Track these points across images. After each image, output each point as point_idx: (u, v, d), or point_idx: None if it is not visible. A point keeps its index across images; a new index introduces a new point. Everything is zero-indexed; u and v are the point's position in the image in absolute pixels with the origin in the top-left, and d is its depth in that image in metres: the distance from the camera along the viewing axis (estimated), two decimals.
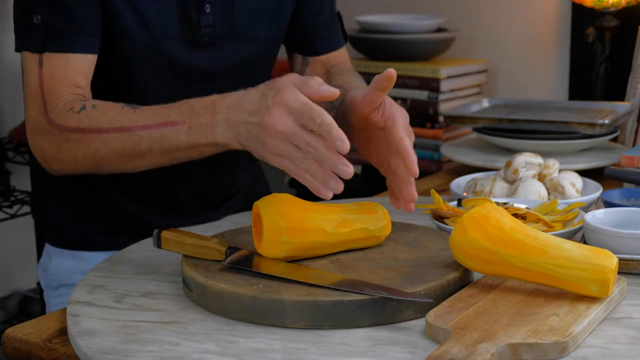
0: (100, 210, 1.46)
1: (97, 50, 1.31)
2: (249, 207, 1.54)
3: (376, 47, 2.36)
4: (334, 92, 1.09)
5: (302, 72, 1.57)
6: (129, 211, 1.46)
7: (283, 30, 1.49)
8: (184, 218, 1.46)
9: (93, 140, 1.23)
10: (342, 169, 1.06)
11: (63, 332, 1.12)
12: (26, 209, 2.54)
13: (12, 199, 2.49)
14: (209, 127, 1.16)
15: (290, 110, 1.07)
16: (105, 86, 1.36)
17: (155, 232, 1.19)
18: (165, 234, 1.18)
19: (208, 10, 1.36)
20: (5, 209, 2.50)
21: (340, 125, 1.09)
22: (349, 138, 1.09)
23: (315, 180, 1.07)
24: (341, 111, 1.26)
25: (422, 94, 2.30)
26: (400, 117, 1.18)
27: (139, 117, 1.21)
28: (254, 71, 1.47)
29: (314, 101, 1.08)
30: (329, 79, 1.50)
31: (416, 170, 1.15)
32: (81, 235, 1.47)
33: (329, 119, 1.05)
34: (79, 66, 1.29)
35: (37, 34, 1.28)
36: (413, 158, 1.15)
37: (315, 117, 1.05)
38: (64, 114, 1.25)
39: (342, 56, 1.59)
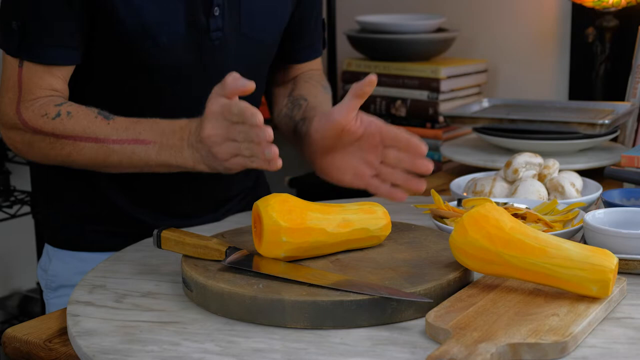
0: (99, 212, 1.46)
1: (76, 60, 1.32)
2: (248, 209, 1.54)
3: (376, 47, 2.36)
4: (249, 85, 1.17)
5: (273, 74, 1.58)
6: (128, 212, 1.46)
7: (281, 33, 1.49)
8: (183, 219, 1.46)
9: (66, 146, 1.28)
10: (267, 134, 1.14)
11: (63, 332, 1.12)
12: (26, 209, 2.54)
13: (12, 199, 2.49)
14: (179, 150, 1.23)
15: (214, 116, 1.18)
16: (115, 93, 1.36)
17: (155, 232, 1.19)
18: (165, 233, 1.19)
19: (217, 13, 1.35)
20: (5, 209, 2.49)
21: (299, 144, 1.33)
22: (313, 164, 1.33)
23: (263, 160, 1.16)
24: (304, 129, 1.35)
25: (422, 94, 2.31)
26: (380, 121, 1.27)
27: (112, 131, 1.26)
28: (259, 74, 1.47)
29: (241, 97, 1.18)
30: (294, 85, 1.54)
31: (424, 147, 1.25)
32: (80, 236, 1.47)
33: (242, 104, 1.16)
34: (58, 74, 1.31)
35: (15, 40, 1.29)
36: (417, 138, 1.26)
37: (232, 109, 1.16)
38: (39, 119, 1.28)
39: (315, 64, 1.60)
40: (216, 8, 1.35)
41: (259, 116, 1.15)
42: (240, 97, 1.43)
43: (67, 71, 1.32)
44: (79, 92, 1.35)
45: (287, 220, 1.11)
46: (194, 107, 1.36)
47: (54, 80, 1.31)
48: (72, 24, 1.29)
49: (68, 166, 1.32)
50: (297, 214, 1.12)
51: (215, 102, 1.18)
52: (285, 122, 1.46)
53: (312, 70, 1.58)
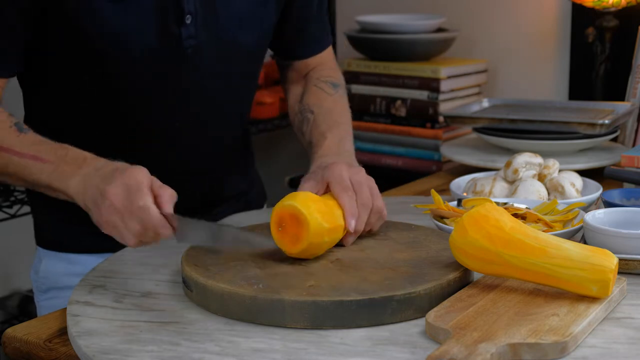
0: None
1: (9, 74, 1.33)
2: (243, 209, 1.54)
3: (376, 47, 2.36)
4: (171, 221, 1.12)
5: (283, 73, 1.59)
6: None
7: (268, 35, 1.47)
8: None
9: None
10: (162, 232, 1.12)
11: (63, 332, 1.12)
12: (26, 209, 2.54)
13: (12, 199, 2.49)
14: (67, 177, 1.20)
15: (135, 189, 1.11)
16: (98, 105, 1.36)
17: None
18: None
19: (189, 22, 1.33)
20: (5, 209, 2.49)
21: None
22: None
23: (134, 237, 1.12)
24: (310, 153, 1.40)
25: (422, 94, 2.30)
26: (336, 174, 1.23)
27: (18, 143, 1.25)
28: (246, 77, 1.47)
29: None
30: (304, 89, 1.53)
31: (351, 227, 1.20)
32: (69, 237, 1.46)
33: (150, 212, 1.11)
34: None
35: None
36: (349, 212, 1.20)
37: (151, 214, 1.11)
38: None
39: (324, 57, 1.58)
40: (188, 16, 1.32)
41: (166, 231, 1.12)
42: (231, 98, 1.43)
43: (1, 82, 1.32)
44: (31, 103, 1.35)
45: (327, 221, 1.14)
46: (165, 120, 1.36)
47: None
48: (15, 36, 1.28)
49: None
50: (332, 213, 1.16)
51: (138, 179, 1.13)
52: (298, 135, 1.51)
53: (322, 65, 1.57)
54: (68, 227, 1.46)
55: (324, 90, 1.52)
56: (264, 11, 1.43)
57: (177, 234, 1.13)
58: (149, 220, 1.10)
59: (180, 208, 1.48)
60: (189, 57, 1.35)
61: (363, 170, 1.27)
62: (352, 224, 1.19)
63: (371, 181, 1.25)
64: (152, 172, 1.30)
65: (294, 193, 1.16)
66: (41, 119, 1.41)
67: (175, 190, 1.46)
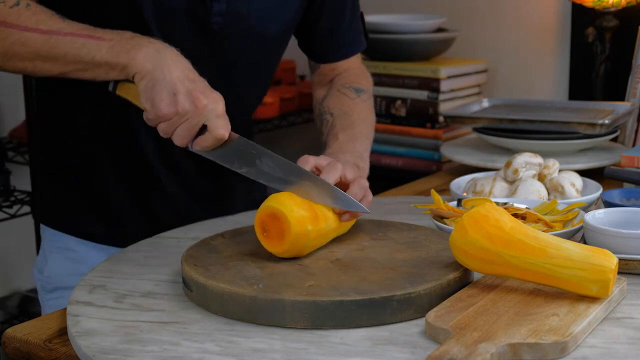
0: (96, 201, 1.45)
1: None
2: (241, 210, 1.54)
3: (376, 47, 2.36)
4: (222, 135, 1.18)
5: (312, 75, 1.59)
6: (124, 207, 1.45)
7: (289, 29, 1.47)
8: (178, 219, 1.46)
9: (11, 36, 1.23)
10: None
11: (63, 332, 1.12)
12: (26, 209, 2.54)
13: (12, 199, 2.49)
14: (133, 49, 1.19)
15: (198, 110, 1.16)
16: None
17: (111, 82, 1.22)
18: (123, 83, 1.21)
19: None
20: (5, 209, 2.50)
21: None
22: None
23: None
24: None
25: (422, 94, 2.31)
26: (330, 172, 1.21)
27: (66, 26, 1.23)
28: (263, 69, 1.47)
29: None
30: (328, 92, 1.53)
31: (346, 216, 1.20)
32: (77, 220, 1.46)
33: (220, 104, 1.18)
34: None
35: None
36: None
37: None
38: None
39: (352, 62, 1.58)
40: None
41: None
42: (243, 87, 1.44)
43: None
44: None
45: (305, 209, 1.14)
46: None
47: None
48: None
49: (7, 62, 1.26)
50: (309, 204, 1.15)
51: (219, 103, 1.18)
52: (320, 133, 1.50)
53: (348, 71, 1.56)
54: (76, 210, 1.45)
55: (346, 95, 1.51)
56: (286, 4, 1.43)
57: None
58: (214, 109, 1.16)
59: (181, 208, 1.49)
60: (215, 34, 1.35)
61: (360, 171, 1.27)
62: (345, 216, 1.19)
63: (362, 181, 1.24)
64: (156, 158, 1.30)
65: (271, 195, 1.16)
66: (55, 86, 1.41)
67: (185, 192, 1.47)
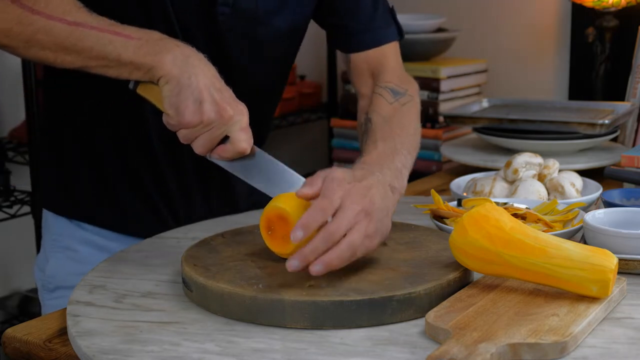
0: (100, 188, 1.45)
1: None
2: (244, 210, 1.54)
3: None
4: (244, 149, 1.17)
5: (347, 72, 1.53)
6: (130, 202, 1.45)
7: (301, 25, 1.44)
8: (185, 220, 1.46)
9: (35, 22, 1.20)
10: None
11: (63, 332, 1.12)
12: (26, 209, 2.54)
13: (12, 199, 2.49)
14: (161, 51, 1.16)
15: (223, 121, 1.15)
16: None
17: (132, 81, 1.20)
18: (144, 84, 1.20)
19: None
20: (5, 209, 2.49)
21: None
22: None
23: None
24: None
25: (422, 94, 2.30)
26: (327, 185, 1.10)
27: (93, 20, 1.20)
28: (277, 65, 1.45)
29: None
30: (370, 98, 1.43)
31: (292, 237, 1.05)
32: (80, 204, 1.45)
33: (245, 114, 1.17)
34: None
35: None
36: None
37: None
38: None
39: (388, 57, 1.48)
40: None
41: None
42: (259, 88, 1.41)
43: None
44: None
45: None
46: None
47: None
48: None
49: (28, 50, 1.23)
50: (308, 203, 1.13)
51: (244, 115, 1.16)
52: (360, 140, 1.40)
53: (384, 67, 1.46)
54: (82, 195, 1.45)
55: (384, 97, 1.41)
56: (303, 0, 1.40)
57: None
58: (239, 121, 1.15)
59: (182, 208, 1.49)
60: (219, 24, 1.33)
61: (394, 193, 1.17)
62: (296, 235, 1.04)
63: (375, 212, 1.09)
64: (163, 157, 1.28)
65: (278, 195, 1.15)
66: (64, 75, 1.40)
67: (195, 192, 1.47)
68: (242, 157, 1.18)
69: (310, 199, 1.08)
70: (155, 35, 1.19)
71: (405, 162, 1.27)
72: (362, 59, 1.48)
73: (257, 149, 1.19)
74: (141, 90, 1.20)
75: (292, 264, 1.03)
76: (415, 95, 1.44)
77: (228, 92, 1.17)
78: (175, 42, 1.19)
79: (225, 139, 1.16)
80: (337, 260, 1.04)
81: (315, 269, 1.03)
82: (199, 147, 1.16)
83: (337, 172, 1.11)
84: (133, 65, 1.18)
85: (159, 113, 1.20)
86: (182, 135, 1.16)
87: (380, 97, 1.41)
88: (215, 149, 1.17)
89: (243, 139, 1.16)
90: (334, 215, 1.06)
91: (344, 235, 1.05)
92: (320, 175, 1.11)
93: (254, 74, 1.42)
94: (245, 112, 1.17)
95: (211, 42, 1.35)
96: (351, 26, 1.47)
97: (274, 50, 1.43)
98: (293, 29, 1.43)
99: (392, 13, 1.51)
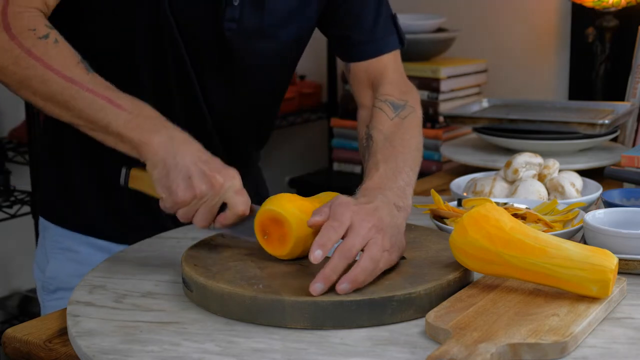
0: (99, 195, 1.45)
1: None
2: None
3: None
4: (242, 211, 1.16)
5: (347, 79, 1.53)
6: (126, 205, 1.45)
7: (305, 35, 1.45)
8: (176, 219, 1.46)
9: (33, 68, 1.20)
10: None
11: (63, 332, 1.12)
12: (26, 209, 2.54)
13: (12, 199, 2.49)
14: (150, 130, 1.17)
15: (215, 190, 1.15)
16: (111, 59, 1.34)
17: (124, 169, 1.20)
18: (135, 172, 1.20)
19: (236, 4, 1.32)
20: (5, 209, 2.49)
21: None
22: None
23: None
24: None
25: (422, 94, 2.31)
26: (335, 210, 1.11)
27: (90, 81, 1.20)
28: (273, 73, 1.46)
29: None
30: (371, 111, 1.41)
31: (313, 257, 1.06)
32: (77, 213, 1.46)
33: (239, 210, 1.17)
34: None
35: None
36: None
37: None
38: (24, 30, 1.21)
39: (388, 66, 1.47)
40: None
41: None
42: (266, 91, 1.42)
43: None
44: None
45: (306, 212, 1.12)
46: (190, 88, 1.35)
47: None
48: None
49: (19, 90, 1.23)
50: (307, 204, 1.14)
51: (236, 179, 1.16)
52: (362, 157, 1.40)
53: (384, 78, 1.45)
54: (78, 204, 1.45)
55: (384, 112, 1.39)
56: (306, 8, 1.40)
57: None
58: (231, 186, 1.15)
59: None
60: (227, 40, 1.34)
61: (400, 211, 1.17)
62: (315, 255, 1.05)
63: (386, 228, 1.11)
64: None
65: (270, 197, 1.15)
66: None
67: None
68: (245, 218, 1.18)
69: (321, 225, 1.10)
70: (147, 111, 1.19)
71: (409, 179, 1.27)
72: (362, 68, 1.47)
73: (257, 207, 1.19)
74: (132, 184, 1.22)
75: (317, 287, 1.04)
76: (416, 106, 1.43)
77: (215, 162, 1.17)
78: (163, 122, 1.19)
79: (223, 207, 1.17)
80: (362, 274, 1.05)
81: (342, 287, 1.04)
82: (199, 222, 1.16)
83: (343, 198, 1.13)
84: (119, 138, 1.18)
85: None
86: (181, 215, 1.17)
87: (380, 112, 1.39)
88: (216, 219, 1.17)
89: (240, 202, 1.16)
90: (345, 235, 1.08)
91: (362, 251, 1.07)
92: (326, 204, 1.12)
93: (258, 79, 1.43)
94: (236, 175, 1.17)
95: (218, 55, 1.36)
96: (353, 37, 1.47)
97: (278, 59, 1.44)
98: (298, 40, 1.44)
99: (393, 20, 1.50)
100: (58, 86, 1.19)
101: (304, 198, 1.17)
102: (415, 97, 1.44)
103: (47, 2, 1.25)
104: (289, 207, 1.12)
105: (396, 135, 1.34)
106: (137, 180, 1.21)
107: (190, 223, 1.18)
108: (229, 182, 1.15)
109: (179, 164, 1.15)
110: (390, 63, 1.48)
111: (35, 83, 1.20)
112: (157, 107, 1.23)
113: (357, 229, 1.08)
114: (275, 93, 1.51)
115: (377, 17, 1.47)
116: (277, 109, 1.56)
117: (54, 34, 1.22)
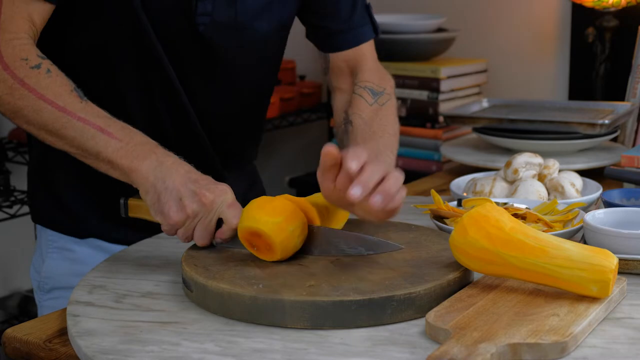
0: (94, 198, 1.45)
1: (55, 1, 1.28)
2: None
3: (376, 47, 2.35)
4: (237, 224, 1.16)
5: (325, 70, 1.55)
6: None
7: (286, 23, 1.45)
8: None
9: (25, 98, 1.22)
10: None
11: (63, 332, 1.12)
12: (26, 209, 2.54)
13: (12, 199, 2.49)
14: (139, 157, 1.19)
15: (207, 207, 1.16)
16: (90, 66, 1.35)
17: (122, 200, 1.22)
18: (132, 201, 1.22)
19: None
20: (5, 209, 2.49)
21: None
22: None
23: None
24: None
25: (422, 94, 2.31)
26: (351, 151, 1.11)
27: (81, 110, 1.22)
28: (262, 70, 1.46)
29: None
30: (350, 96, 1.45)
31: (349, 166, 1.07)
32: (74, 219, 1.46)
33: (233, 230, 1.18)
34: (38, 9, 1.26)
35: None
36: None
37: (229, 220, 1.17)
38: (17, 60, 1.23)
39: (365, 56, 1.51)
40: None
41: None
42: (251, 87, 1.43)
43: (47, 10, 1.28)
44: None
45: (277, 214, 1.13)
46: (172, 92, 1.35)
47: (34, 13, 1.26)
48: None
49: (14, 118, 1.25)
50: (278, 204, 1.14)
51: (227, 194, 1.18)
52: (340, 146, 1.41)
53: (362, 66, 1.49)
54: (74, 207, 1.45)
55: (364, 98, 1.44)
56: (285, 1, 1.41)
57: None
58: (223, 201, 1.16)
59: None
60: (201, 34, 1.35)
61: (394, 169, 1.17)
62: (352, 164, 1.06)
63: (396, 177, 1.11)
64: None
65: (244, 208, 1.16)
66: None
67: None
68: None
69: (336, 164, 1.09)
70: (138, 138, 1.22)
71: (390, 161, 1.32)
72: (340, 57, 1.51)
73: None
74: (132, 213, 1.24)
75: (355, 193, 1.05)
76: (392, 93, 1.49)
77: (205, 180, 1.19)
78: (153, 147, 1.21)
79: (221, 222, 1.18)
80: (394, 187, 1.08)
81: (376, 199, 1.06)
82: (198, 240, 1.18)
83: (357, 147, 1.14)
84: (110, 165, 1.21)
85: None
86: (180, 235, 1.19)
87: (360, 99, 1.44)
88: (215, 235, 1.19)
89: (233, 216, 1.17)
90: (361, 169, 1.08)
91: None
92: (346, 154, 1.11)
93: (241, 76, 1.43)
94: (228, 190, 1.19)
95: (196, 52, 1.36)
96: (332, 27, 1.50)
97: (260, 50, 1.44)
98: (279, 28, 1.44)
99: (368, 10, 1.53)
100: (50, 115, 1.22)
101: (273, 198, 1.17)
102: (391, 85, 1.51)
103: (34, 23, 1.27)
104: (260, 217, 1.13)
105: (375, 121, 1.40)
106: (136, 209, 1.23)
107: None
108: (220, 197, 1.17)
109: (169, 187, 1.17)
110: (367, 51, 1.53)
111: (28, 112, 1.23)
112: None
113: (375, 163, 1.09)
114: (260, 90, 1.51)
115: (354, 7, 1.50)
116: (265, 107, 1.56)
117: (47, 63, 1.25)
